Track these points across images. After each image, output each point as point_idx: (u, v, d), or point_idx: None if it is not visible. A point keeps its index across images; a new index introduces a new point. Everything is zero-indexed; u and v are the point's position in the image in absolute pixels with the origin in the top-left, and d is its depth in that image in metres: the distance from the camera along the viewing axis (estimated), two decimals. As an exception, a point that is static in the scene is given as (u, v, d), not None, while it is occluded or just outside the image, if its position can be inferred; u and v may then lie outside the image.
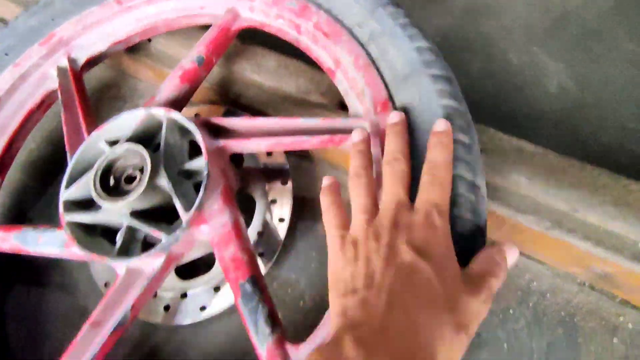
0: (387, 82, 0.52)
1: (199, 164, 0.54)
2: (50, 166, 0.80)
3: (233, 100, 0.71)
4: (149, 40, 0.77)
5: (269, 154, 0.67)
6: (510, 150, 0.58)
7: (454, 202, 0.43)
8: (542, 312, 0.58)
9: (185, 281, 0.63)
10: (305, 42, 0.61)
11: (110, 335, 0.50)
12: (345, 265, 0.34)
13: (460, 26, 0.85)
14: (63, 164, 0.58)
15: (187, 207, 0.51)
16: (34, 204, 0.76)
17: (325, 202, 0.41)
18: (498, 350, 0.57)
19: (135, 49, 0.77)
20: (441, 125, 0.40)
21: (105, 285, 0.65)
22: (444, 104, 0.48)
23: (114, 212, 0.53)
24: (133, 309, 0.51)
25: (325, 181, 0.44)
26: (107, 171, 0.54)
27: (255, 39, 0.72)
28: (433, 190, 0.35)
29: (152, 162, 0.52)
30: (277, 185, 0.66)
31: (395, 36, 0.53)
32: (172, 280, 0.63)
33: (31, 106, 0.68)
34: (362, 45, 0.55)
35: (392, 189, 0.36)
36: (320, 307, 0.62)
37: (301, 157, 0.72)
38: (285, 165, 0.67)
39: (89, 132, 0.60)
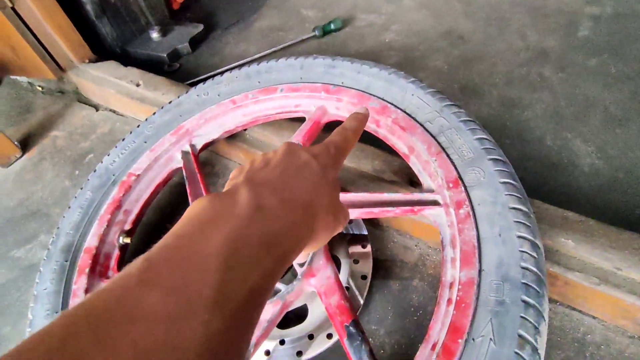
0: (455, 165, 0.67)
1: (306, 228, 0.68)
2: (157, 229, 0.96)
3: (317, 177, 0.87)
4: (245, 130, 0.96)
5: (350, 221, 0.81)
6: (556, 217, 0.70)
7: (521, 258, 0.56)
8: (599, 361, 0.66)
9: (282, 330, 0.74)
10: (383, 133, 0.78)
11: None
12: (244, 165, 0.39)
13: (498, 116, 1.02)
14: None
15: (300, 264, 0.64)
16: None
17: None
18: (563, 394, 0.64)
19: (232, 137, 0.96)
20: (361, 109, 0.48)
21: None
22: (504, 181, 0.62)
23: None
24: (254, 347, 0.62)
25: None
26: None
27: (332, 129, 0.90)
28: (337, 137, 0.43)
29: (272, 227, 0.66)
30: (358, 248, 0.78)
31: (460, 130, 0.69)
32: (271, 328, 0.74)
33: (159, 181, 0.85)
34: (433, 136, 0.71)
35: (332, 137, 0.43)
36: (399, 354, 0.71)
37: (374, 225, 0.85)
38: (364, 231, 0.80)
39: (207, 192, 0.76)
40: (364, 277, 0.75)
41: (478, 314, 0.55)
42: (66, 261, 0.76)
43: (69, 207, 0.82)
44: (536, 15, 1.32)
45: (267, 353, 0.73)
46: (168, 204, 0.99)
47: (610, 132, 0.95)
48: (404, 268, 0.80)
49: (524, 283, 0.55)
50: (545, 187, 0.88)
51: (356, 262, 0.77)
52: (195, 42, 1.42)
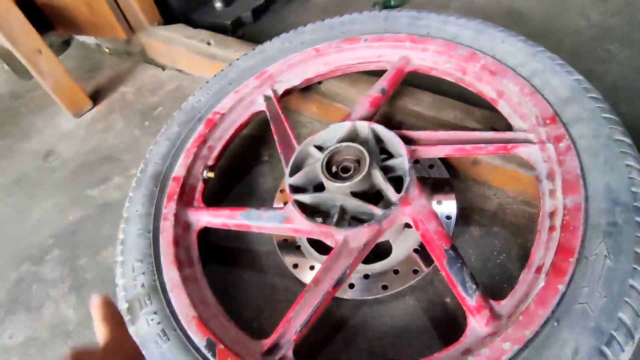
0: (551, 104, 0.68)
1: (398, 161, 0.69)
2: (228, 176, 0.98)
3: (395, 126, 0.88)
4: (319, 82, 0.98)
5: (431, 166, 0.82)
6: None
7: (632, 183, 0.56)
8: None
9: (367, 265, 0.74)
10: (469, 80, 0.79)
11: (331, 291, 0.62)
12: None
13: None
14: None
15: (395, 191, 0.65)
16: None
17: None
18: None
19: (306, 89, 0.98)
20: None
21: (295, 266, 0.77)
22: (606, 116, 0.63)
23: (336, 193, 0.67)
24: (350, 268, 0.63)
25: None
26: (328, 162, 0.70)
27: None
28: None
29: (368, 156, 0.67)
30: (441, 193, 0.79)
31: (555, 72, 0.70)
32: (353, 263, 0.75)
33: (241, 122, 0.88)
34: (525, 79, 0.71)
35: None
36: (486, 292, 0.71)
37: (452, 176, 0.86)
38: (445, 175, 0.81)
39: (296, 139, 0.78)
40: (448, 217, 0.76)
41: (589, 235, 0.55)
42: (155, 187, 0.78)
43: (157, 140, 0.84)
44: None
45: (352, 286, 0.73)
46: (240, 153, 1.00)
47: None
48: (483, 216, 0.80)
49: (636, 206, 0.55)
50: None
51: (439, 203, 0.77)
52: (257, 13, 1.46)
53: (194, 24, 1.44)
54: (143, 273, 0.69)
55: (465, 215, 0.81)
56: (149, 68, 1.32)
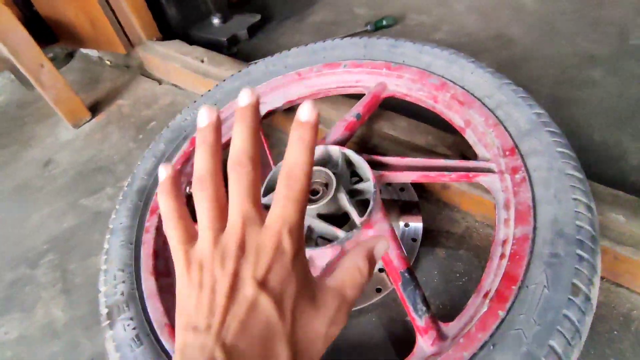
0: (512, 135, 0.71)
1: (366, 185, 0.73)
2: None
3: (371, 149, 0.92)
4: (303, 103, 1.02)
5: (402, 189, 0.86)
6: (607, 195, 0.73)
7: (576, 217, 0.59)
8: (644, 336, 0.68)
9: (333, 281, 0.78)
10: (440, 108, 0.82)
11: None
12: (190, 291, 0.29)
13: (547, 113, 1.06)
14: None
15: (359, 215, 0.69)
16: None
17: (164, 207, 0.33)
18: (606, 363, 0.66)
19: (290, 109, 1.02)
20: (305, 113, 0.31)
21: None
22: (560, 150, 0.66)
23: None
24: (313, 286, 0.67)
25: (163, 172, 0.34)
26: (299, 184, 0.74)
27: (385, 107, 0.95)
28: (287, 204, 0.29)
29: (336, 180, 0.71)
30: (409, 214, 0.83)
31: (518, 104, 0.73)
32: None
33: (225, 141, 0.92)
34: (490, 110, 0.75)
35: (237, 201, 0.30)
36: (445, 311, 0.74)
37: (422, 198, 0.90)
38: (415, 198, 0.84)
39: (273, 160, 0.82)
40: (414, 240, 0.79)
41: (532, 265, 0.58)
42: (140, 201, 0.83)
43: (144, 156, 0.89)
44: (585, 24, 1.35)
45: (318, 302, 0.77)
46: (224, 170, 1.05)
47: (659, 131, 0.96)
48: (450, 238, 0.83)
49: (578, 239, 0.58)
50: (594, 178, 0.90)
51: (407, 225, 0.81)
52: (253, 30, 1.52)
53: (192, 39, 1.50)
54: (123, 281, 0.74)
55: (433, 237, 0.84)
56: (146, 82, 1.38)
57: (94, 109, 1.31)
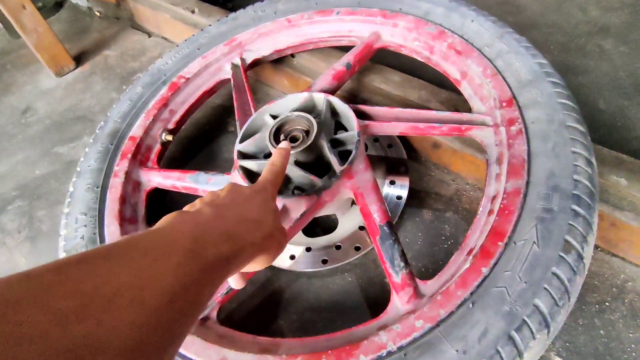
0: (511, 86, 0.65)
1: (348, 135, 0.67)
2: (195, 144, 0.97)
3: (360, 103, 0.86)
4: (292, 56, 0.96)
5: (390, 146, 0.80)
6: (610, 158, 0.67)
7: (574, 171, 0.54)
8: (638, 309, 0.63)
9: (310, 238, 0.73)
10: (435, 59, 0.76)
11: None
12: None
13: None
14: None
15: (340, 164, 0.63)
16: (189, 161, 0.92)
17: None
18: (595, 335, 0.61)
19: (278, 62, 0.96)
20: (283, 144, 0.59)
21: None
22: (562, 102, 0.60)
23: (281, 160, 0.66)
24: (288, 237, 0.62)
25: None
26: (277, 131, 0.69)
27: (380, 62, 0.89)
28: (269, 174, 0.51)
29: (317, 128, 0.66)
30: (396, 171, 0.77)
31: (520, 53, 0.67)
32: (299, 236, 0.74)
33: (206, 88, 0.87)
34: (489, 60, 0.69)
35: (265, 175, 0.52)
36: (427, 274, 0.69)
37: (411, 158, 0.84)
38: (403, 155, 0.79)
39: (255, 109, 0.77)
40: (399, 198, 0.74)
41: (522, 220, 0.53)
42: (111, 145, 0.78)
43: (119, 99, 0.84)
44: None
45: (292, 257, 0.72)
46: (207, 122, 1.00)
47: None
48: (438, 200, 0.78)
49: (575, 194, 0.52)
50: (596, 145, 0.84)
51: (392, 183, 0.76)
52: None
53: (186, -7, 1.43)
54: (85, 225, 0.69)
55: (420, 198, 0.79)
56: (135, 33, 1.31)
57: (79, 58, 1.25)
